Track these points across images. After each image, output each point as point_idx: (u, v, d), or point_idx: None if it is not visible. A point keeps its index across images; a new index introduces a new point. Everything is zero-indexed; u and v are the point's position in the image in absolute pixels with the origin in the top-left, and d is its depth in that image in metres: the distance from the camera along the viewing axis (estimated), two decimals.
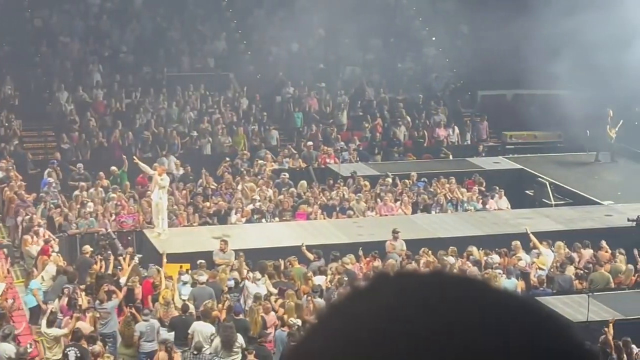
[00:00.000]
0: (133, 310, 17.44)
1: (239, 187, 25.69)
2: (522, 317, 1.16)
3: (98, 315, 17.57)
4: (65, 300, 17.84)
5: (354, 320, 1.16)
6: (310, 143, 29.84)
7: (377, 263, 20.26)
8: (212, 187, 25.83)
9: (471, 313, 1.14)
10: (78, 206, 23.62)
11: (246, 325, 17.37)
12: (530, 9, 32.10)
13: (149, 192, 23.39)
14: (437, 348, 1.11)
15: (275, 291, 18.88)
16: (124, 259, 20.08)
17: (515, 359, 1.11)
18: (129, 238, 22.66)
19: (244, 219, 24.03)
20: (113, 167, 26.29)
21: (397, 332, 1.12)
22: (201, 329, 16.86)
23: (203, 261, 19.97)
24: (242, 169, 27.32)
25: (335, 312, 1.19)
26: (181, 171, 27.15)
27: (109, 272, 19.50)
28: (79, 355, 15.82)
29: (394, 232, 21.64)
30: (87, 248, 20.84)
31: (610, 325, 16.67)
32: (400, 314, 1.14)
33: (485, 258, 20.82)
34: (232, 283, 19.23)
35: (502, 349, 1.11)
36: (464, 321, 1.13)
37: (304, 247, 20.93)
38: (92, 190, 24.80)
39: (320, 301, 18.06)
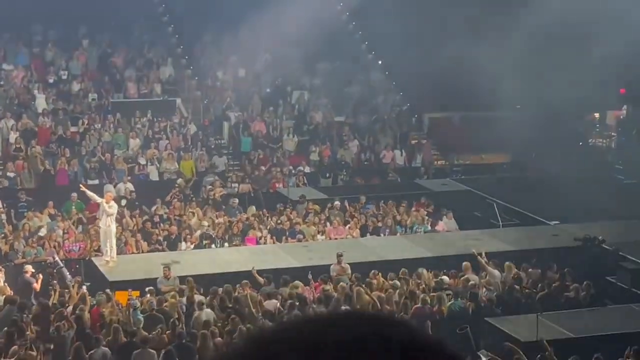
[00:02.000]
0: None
1: (188, 213, 25.58)
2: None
3: (52, 345, 17.30)
4: (11, 330, 17.55)
5: None
6: (262, 168, 29.83)
7: (328, 286, 20.25)
8: (161, 213, 25.68)
9: None
10: (25, 235, 23.36)
11: (191, 351, 17.22)
12: (477, 31, 32.43)
13: (97, 220, 23.20)
14: None
15: (222, 316, 18.78)
16: (72, 287, 19.86)
17: None
18: (77, 266, 22.44)
19: (192, 245, 23.92)
20: (74, 194, 25.89)
21: None
22: (142, 358, 16.68)
23: (152, 288, 19.84)
24: (191, 195, 27.20)
25: None
26: (129, 197, 26.93)
27: (55, 301, 19.26)
28: None
29: (338, 255, 21.64)
30: (29, 268, 20.64)
31: (545, 343, 16.69)
32: None
33: (434, 279, 20.93)
34: (184, 308, 19.10)
35: None
36: None
37: (254, 271, 20.86)
38: (35, 219, 24.54)
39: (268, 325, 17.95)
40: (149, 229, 24.37)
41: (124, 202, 25.80)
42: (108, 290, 19.89)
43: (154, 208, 25.95)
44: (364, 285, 20.06)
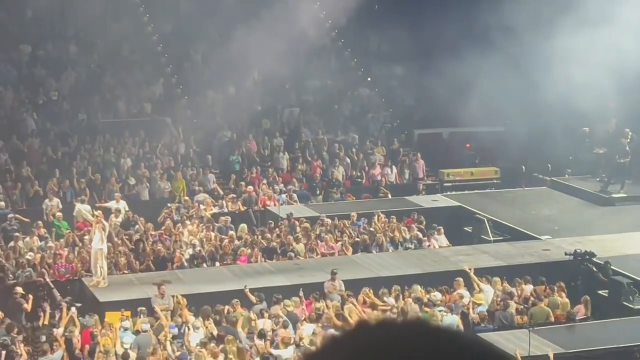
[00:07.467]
0: None
1: (183, 232, 25.44)
2: None
3: None
4: (2, 353, 17.50)
5: None
6: (250, 187, 29.66)
7: (319, 304, 20.22)
8: (152, 233, 25.57)
9: None
10: (15, 256, 23.25)
11: None
12: (466, 47, 32.49)
13: (86, 238, 23.14)
14: None
15: (216, 335, 18.74)
16: (62, 308, 19.77)
17: None
18: (68, 287, 22.33)
19: (184, 264, 23.80)
20: (59, 213, 25.99)
21: None
22: None
23: (144, 308, 19.76)
24: (183, 215, 27.06)
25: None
26: (121, 218, 26.81)
27: (46, 322, 19.19)
28: None
29: (332, 272, 21.64)
30: (19, 290, 20.61)
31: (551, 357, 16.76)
32: None
33: (427, 296, 20.91)
34: (175, 330, 19.04)
35: None
36: None
37: (247, 290, 20.84)
38: (27, 239, 24.43)
39: (260, 343, 18.08)
40: (140, 249, 24.26)
41: (119, 220, 25.85)
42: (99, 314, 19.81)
43: (137, 227, 25.76)
44: (354, 301, 20.04)
